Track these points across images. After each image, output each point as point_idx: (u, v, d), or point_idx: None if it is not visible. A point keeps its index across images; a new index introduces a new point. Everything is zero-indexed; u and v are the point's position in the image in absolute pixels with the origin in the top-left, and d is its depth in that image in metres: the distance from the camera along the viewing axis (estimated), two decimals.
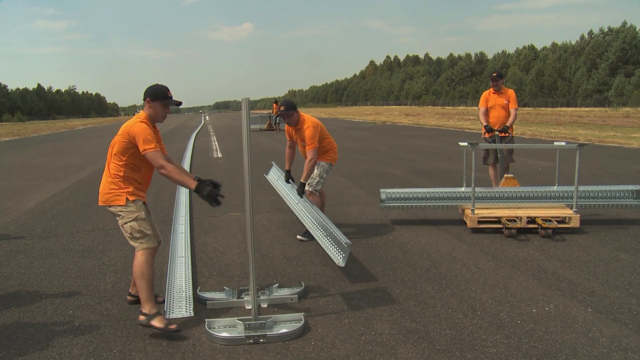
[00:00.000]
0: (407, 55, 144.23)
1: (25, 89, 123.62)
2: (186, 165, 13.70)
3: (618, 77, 69.45)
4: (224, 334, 3.64)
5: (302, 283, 4.59)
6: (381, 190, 6.96)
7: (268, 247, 5.91)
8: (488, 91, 8.12)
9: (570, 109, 60.67)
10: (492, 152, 7.96)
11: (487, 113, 8.02)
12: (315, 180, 5.96)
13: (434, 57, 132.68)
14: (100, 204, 3.92)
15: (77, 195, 9.60)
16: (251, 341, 3.60)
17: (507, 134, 7.80)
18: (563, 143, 6.87)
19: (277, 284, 4.49)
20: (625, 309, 4.02)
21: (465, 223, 6.60)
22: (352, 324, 3.86)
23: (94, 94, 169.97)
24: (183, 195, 8.94)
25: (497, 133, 7.76)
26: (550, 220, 6.21)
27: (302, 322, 3.80)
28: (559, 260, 5.23)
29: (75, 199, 9.27)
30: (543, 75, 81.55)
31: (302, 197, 5.91)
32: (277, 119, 29.00)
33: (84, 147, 22.79)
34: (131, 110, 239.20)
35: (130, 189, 3.85)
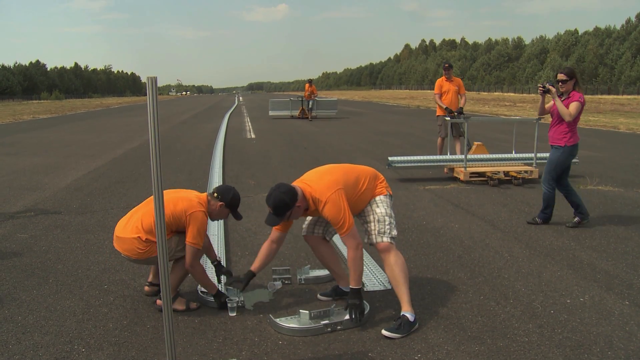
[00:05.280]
0: (443, 39, 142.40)
1: (63, 68, 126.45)
2: (219, 145, 13.77)
3: None
4: (293, 325, 3.48)
5: None
6: (389, 157, 8.88)
7: (300, 229, 5.90)
8: (441, 79, 9.95)
9: (612, 96, 58.76)
10: (445, 127, 9.93)
11: (441, 97, 9.88)
12: (387, 222, 3.67)
13: (470, 42, 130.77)
14: (124, 253, 3.79)
15: (112, 173, 9.76)
16: (329, 329, 3.48)
17: (462, 114, 9.69)
18: (518, 117, 9.67)
19: (309, 265, 4.50)
20: None
21: (455, 180, 8.72)
22: (383, 308, 3.85)
23: (129, 73, 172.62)
24: (216, 174, 9.02)
25: (455, 114, 9.60)
26: (522, 172, 8.46)
27: (367, 306, 3.74)
28: (595, 250, 5.11)
29: (110, 176, 9.43)
30: (583, 62, 79.41)
31: (357, 320, 3.51)
32: (311, 103, 25.59)
33: (119, 125, 23.13)
34: (165, 90, 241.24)
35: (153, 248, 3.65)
